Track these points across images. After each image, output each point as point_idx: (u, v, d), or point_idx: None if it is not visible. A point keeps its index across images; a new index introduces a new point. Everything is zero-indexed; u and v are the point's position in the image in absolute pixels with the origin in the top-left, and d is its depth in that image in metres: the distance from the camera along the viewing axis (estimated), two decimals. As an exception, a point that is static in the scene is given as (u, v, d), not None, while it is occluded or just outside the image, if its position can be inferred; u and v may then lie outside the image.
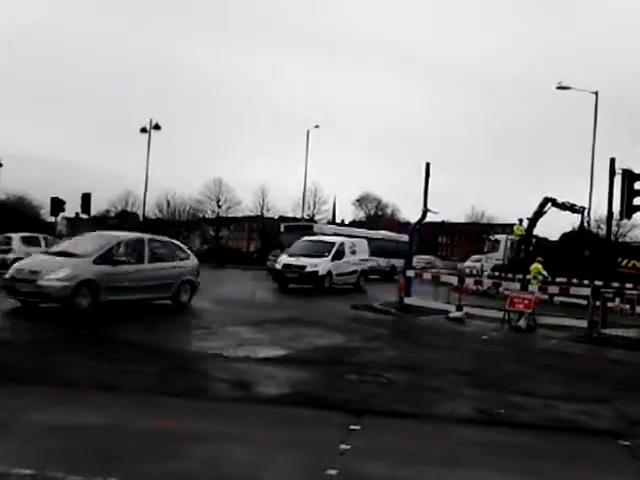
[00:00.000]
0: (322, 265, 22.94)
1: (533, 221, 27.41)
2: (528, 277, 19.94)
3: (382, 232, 41.99)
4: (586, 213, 27.83)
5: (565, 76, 33.32)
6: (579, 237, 28.33)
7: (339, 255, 23.89)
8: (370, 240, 37.41)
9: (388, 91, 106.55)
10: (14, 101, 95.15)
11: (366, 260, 26.46)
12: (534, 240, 28.20)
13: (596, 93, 31.85)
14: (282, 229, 38.20)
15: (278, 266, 23.67)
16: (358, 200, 79.96)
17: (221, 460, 4.71)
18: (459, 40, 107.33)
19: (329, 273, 23.12)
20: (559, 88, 31.89)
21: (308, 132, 49.32)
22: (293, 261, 23.42)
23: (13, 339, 9.56)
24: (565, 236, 29.48)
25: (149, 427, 5.47)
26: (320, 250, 23.79)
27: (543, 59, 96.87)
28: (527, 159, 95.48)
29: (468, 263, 40.57)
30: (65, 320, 11.51)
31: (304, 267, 22.81)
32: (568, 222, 29.28)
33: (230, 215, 73.76)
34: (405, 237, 40.23)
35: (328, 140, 64.98)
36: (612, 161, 16.08)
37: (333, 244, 24.31)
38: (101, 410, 5.91)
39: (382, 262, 35.52)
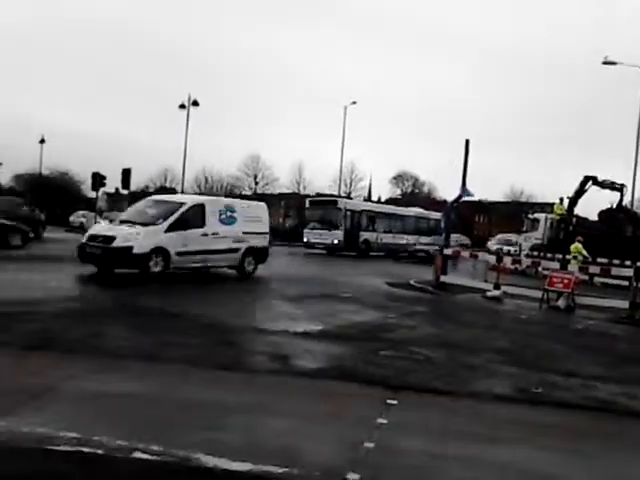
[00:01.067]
0: (142, 237, 14.05)
1: (574, 200, 26.91)
2: (568, 257, 19.62)
3: (414, 209, 41.41)
4: (625, 190, 27.22)
5: (611, 53, 32.24)
6: (617, 215, 27.73)
7: (185, 223, 14.90)
8: (402, 217, 37.25)
9: (427, 68, 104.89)
10: (56, 78, 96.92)
11: (259, 234, 17.33)
12: (574, 219, 27.71)
13: (644, 69, 30.89)
14: (307, 204, 37.43)
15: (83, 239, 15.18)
16: (395, 178, 79.46)
17: (259, 431, 4.79)
18: (502, 20, 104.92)
19: (159, 250, 14.19)
20: (605, 63, 30.99)
21: (345, 109, 49.05)
22: (103, 230, 15.29)
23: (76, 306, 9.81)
24: (603, 214, 28.80)
25: (189, 397, 5.58)
26: (159, 215, 14.98)
27: (589, 36, 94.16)
28: (569, 137, 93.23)
29: (493, 242, 39.95)
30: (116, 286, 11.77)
31: (111, 239, 14.03)
32: (608, 201, 28.50)
33: (267, 192, 74.03)
34: (436, 215, 39.97)
35: (366, 117, 64.78)
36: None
37: (179, 205, 15.37)
38: (143, 379, 6.06)
39: (412, 240, 35.07)
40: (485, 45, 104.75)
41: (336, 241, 31.81)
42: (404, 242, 33.79)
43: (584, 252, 19.98)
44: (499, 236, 46.00)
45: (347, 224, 32.64)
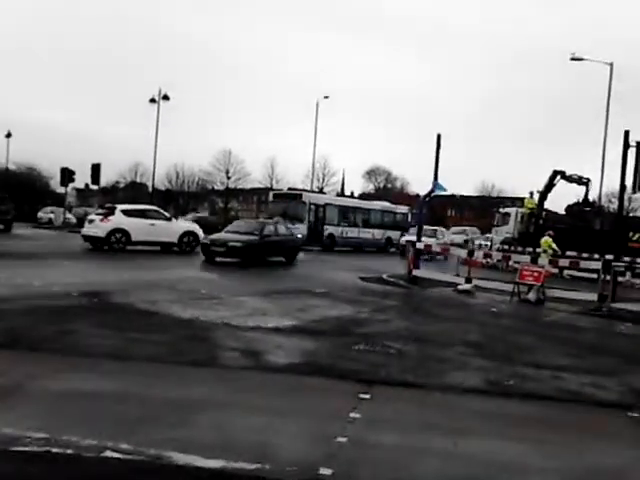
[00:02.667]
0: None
1: (543, 194, 27.31)
2: (538, 250, 19.88)
3: (380, 203, 41.35)
4: (591, 185, 27.72)
5: (579, 48, 32.87)
6: (583, 209, 28.22)
7: None
8: (369, 211, 37.19)
9: (400, 63, 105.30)
10: (21, 72, 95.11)
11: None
12: (544, 213, 28.11)
13: (611, 64, 31.44)
14: (270, 198, 36.85)
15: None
16: (368, 172, 79.76)
17: (231, 427, 4.75)
18: (472, 12, 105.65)
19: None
20: (573, 59, 31.45)
21: (317, 103, 49.03)
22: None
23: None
24: (569, 208, 29.28)
25: (159, 395, 5.52)
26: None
27: (558, 31, 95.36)
28: (539, 133, 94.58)
29: (451, 236, 40.15)
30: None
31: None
32: (575, 195, 28.98)
33: (239, 186, 73.67)
34: (403, 209, 40.10)
35: (338, 112, 64.78)
36: (626, 134, 15.91)
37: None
38: (112, 378, 5.98)
39: (377, 234, 35.07)
40: (454, 39, 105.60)
41: (300, 235, 31.65)
42: (370, 236, 33.73)
43: (554, 246, 20.27)
44: (453, 228, 46.66)
45: (311, 218, 32.40)
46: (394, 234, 36.60)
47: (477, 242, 31.93)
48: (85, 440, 4.20)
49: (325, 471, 3.99)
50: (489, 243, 29.50)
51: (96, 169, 30.42)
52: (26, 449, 4.05)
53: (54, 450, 4.05)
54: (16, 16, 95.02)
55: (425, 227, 31.86)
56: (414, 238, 28.30)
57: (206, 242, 21.15)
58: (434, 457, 4.47)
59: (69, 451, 4.06)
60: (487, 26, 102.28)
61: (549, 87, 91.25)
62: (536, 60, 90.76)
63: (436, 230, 34.49)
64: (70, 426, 4.46)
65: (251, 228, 22.01)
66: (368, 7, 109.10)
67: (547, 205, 28.77)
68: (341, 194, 67.85)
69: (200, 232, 24.20)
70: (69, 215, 43.18)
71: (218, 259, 20.17)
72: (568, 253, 20.96)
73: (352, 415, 5.19)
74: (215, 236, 22.03)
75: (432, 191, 19.28)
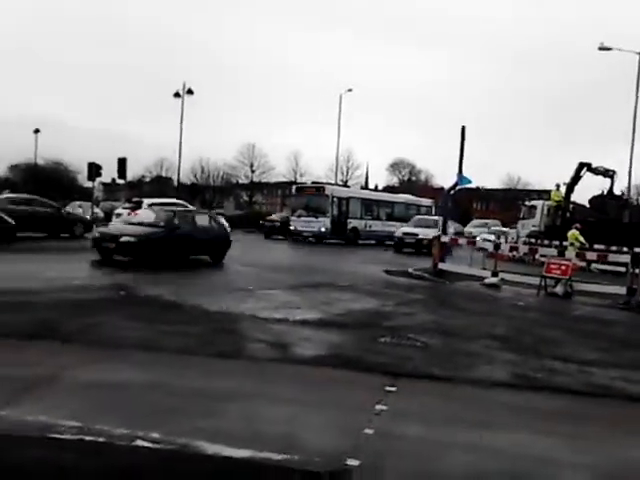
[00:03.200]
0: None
1: (570, 186, 26.96)
2: (565, 244, 19.65)
3: (404, 196, 41.10)
4: (616, 177, 27.30)
5: (604, 39, 32.12)
6: (607, 201, 27.76)
7: None
8: (392, 204, 36.91)
9: (424, 55, 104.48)
10: (48, 70, 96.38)
11: None
12: (571, 206, 27.74)
13: (640, 54, 30.84)
14: (293, 191, 36.73)
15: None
16: (392, 165, 79.42)
17: (259, 418, 4.80)
18: (492, 5, 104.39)
19: None
20: (601, 49, 30.88)
21: (341, 97, 48.87)
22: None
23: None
24: (594, 200, 28.75)
25: (188, 385, 5.60)
26: None
27: (583, 23, 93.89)
28: (565, 125, 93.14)
29: (469, 229, 39.46)
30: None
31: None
32: (606, 188, 28.45)
33: (264, 180, 73.85)
34: (427, 202, 39.73)
35: (362, 105, 64.49)
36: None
37: None
38: (142, 368, 6.08)
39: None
40: (481, 31, 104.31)
41: (323, 229, 31.29)
42: (394, 229, 33.51)
43: (581, 239, 20.01)
44: (474, 221, 45.77)
45: (334, 211, 32.20)
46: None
47: (481, 235, 30.23)
48: (117, 429, 4.28)
49: (352, 462, 4.01)
50: (492, 237, 28.30)
51: (122, 163, 30.61)
52: (60, 436, 4.14)
53: (87, 438, 4.13)
54: (39, 16, 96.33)
55: (426, 217, 30.97)
56: (412, 230, 28.00)
57: (97, 235, 16.75)
58: (461, 450, 4.46)
59: (101, 439, 4.13)
60: (517, 21, 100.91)
61: (575, 79, 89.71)
62: (564, 50, 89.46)
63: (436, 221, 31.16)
64: (102, 415, 4.55)
65: (157, 218, 17.16)
66: (394, 3, 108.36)
67: (575, 198, 28.39)
68: (365, 187, 67.63)
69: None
70: (97, 209, 43.70)
71: (118, 257, 15.80)
72: (596, 246, 20.68)
73: (378, 407, 5.20)
74: (106, 228, 18.41)
75: (457, 184, 19.16)
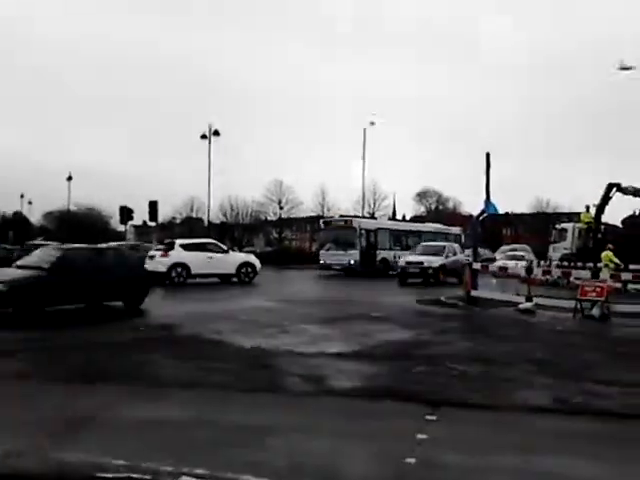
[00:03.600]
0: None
1: (600, 208, 26.64)
2: (599, 265, 19.41)
3: (432, 225, 41.02)
4: None
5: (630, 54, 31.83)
6: (637, 221, 27.37)
7: None
8: (421, 234, 36.85)
9: (447, 82, 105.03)
10: (76, 116, 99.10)
11: None
12: (603, 227, 27.41)
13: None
14: (321, 225, 36.87)
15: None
16: (418, 195, 79.45)
17: (299, 450, 4.86)
18: (511, 25, 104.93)
19: None
20: (621, 69, 30.74)
21: (365, 130, 49.32)
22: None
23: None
24: (627, 220, 28.34)
25: (230, 420, 5.68)
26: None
27: (606, 38, 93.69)
28: (592, 144, 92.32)
29: (498, 255, 38.04)
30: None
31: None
32: (637, 207, 28.13)
33: (292, 216, 74.42)
34: (456, 230, 39.59)
35: (388, 135, 64.83)
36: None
37: None
38: (183, 405, 6.18)
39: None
40: (503, 55, 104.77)
41: (352, 261, 31.22)
42: None
43: (615, 259, 19.75)
44: (504, 247, 44.67)
45: (363, 243, 32.23)
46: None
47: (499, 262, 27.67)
48: (162, 466, 4.35)
49: (396, 491, 4.04)
50: (516, 262, 27.22)
51: (153, 206, 31.31)
52: (108, 475, 4.23)
53: (134, 476, 4.21)
54: (62, 63, 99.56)
55: (432, 244, 28.69)
56: (417, 258, 26.00)
57: None
58: (503, 476, 4.46)
59: (147, 477, 4.21)
60: (534, 38, 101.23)
61: (602, 97, 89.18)
62: (599, 65, 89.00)
63: (444, 247, 28.08)
64: (147, 452, 4.64)
65: (40, 259, 14.13)
66: (410, 26, 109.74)
67: (607, 219, 28.08)
68: (392, 218, 67.77)
69: (257, 262, 24.60)
70: (130, 252, 44.53)
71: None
72: (631, 266, 20.39)
73: (419, 436, 5.20)
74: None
75: (484, 211, 19.14)
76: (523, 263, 24.42)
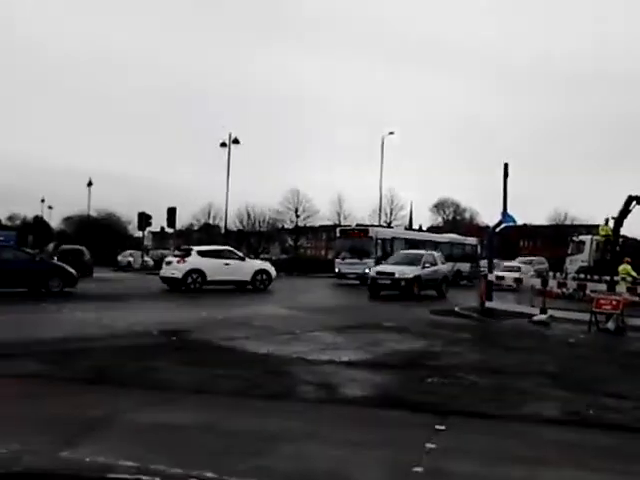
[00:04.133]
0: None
1: (619, 220, 26.42)
2: (616, 278, 19.25)
3: (448, 235, 40.93)
4: None
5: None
6: None
7: None
8: (437, 244, 36.69)
9: (464, 92, 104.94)
10: (94, 123, 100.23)
11: None
12: (621, 240, 27.18)
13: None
14: (337, 234, 37.08)
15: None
16: (436, 205, 79.34)
17: (308, 457, 4.90)
18: (530, 37, 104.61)
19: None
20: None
21: (383, 139, 49.42)
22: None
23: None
24: None
25: (240, 426, 5.73)
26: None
27: (625, 50, 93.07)
28: (611, 156, 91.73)
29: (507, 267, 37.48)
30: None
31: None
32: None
33: (308, 224, 74.65)
34: (472, 240, 39.43)
35: (404, 145, 64.80)
36: None
37: None
38: (194, 411, 6.24)
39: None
40: (521, 64, 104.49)
41: (368, 270, 31.42)
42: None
43: (633, 273, 19.57)
44: (520, 259, 43.18)
45: (379, 252, 32.14)
46: (464, 266, 36.06)
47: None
48: (172, 469, 4.43)
49: (403, 499, 4.07)
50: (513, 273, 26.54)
51: (172, 213, 31.56)
52: (118, 476, 4.31)
53: (144, 478, 4.28)
54: (83, 70, 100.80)
55: (411, 252, 26.34)
56: (388, 268, 23.60)
57: None
58: (513, 487, 4.47)
59: (157, 479, 4.29)
60: (552, 52, 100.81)
61: (620, 108, 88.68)
62: (605, 81, 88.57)
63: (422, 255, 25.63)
64: (157, 456, 4.71)
65: None
66: (428, 39, 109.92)
67: (627, 232, 27.85)
68: (409, 228, 67.54)
69: (272, 270, 24.72)
70: (147, 258, 44.90)
71: None
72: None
73: (428, 446, 5.22)
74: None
75: (501, 222, 19.07)
76: (516, 274, 24.18)
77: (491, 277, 17.68)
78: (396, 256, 26.50)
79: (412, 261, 24.10)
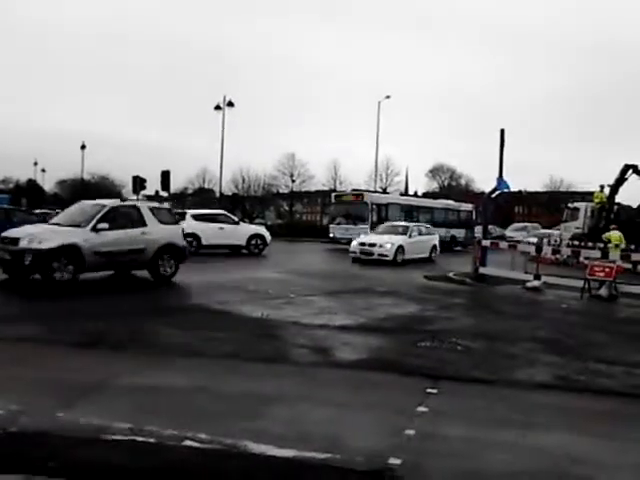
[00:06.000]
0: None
1: (614, 188, 26.45)
2: (600, 245, 19.33)
3: (443, 201, 40.85)
4: None
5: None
6: None
7: None
8: (432, 210, 36.67)
9: (461, 58, 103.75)
10: (88, 87, 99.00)
11: None
12: (616, 207, 27.20)
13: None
14: (332, 199, 36.72)
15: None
16: (431, 171, 79.02)
17: (302, 420, 4.95)
18: (533, 3, 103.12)
19: None
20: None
21: (379, 103, 48.95)
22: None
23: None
24: None
25: (234, 389, 5.78)
26: None
27: (622, 22, 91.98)
28: (608, 125, 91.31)
29: (509, 233, 38.67)
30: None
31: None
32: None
33: (304, 189, 74.30)
34: (467, 206, 39.39)
35: (401, 111, 64.34)
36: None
37: None
38: (189, 374, 6.28)
39: (441, 233, 31.96)
40: (518, 31, 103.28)
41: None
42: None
43: (615, 241, 19.75)
44: (515, 225, 44.80)
45: (374, 218, 32.08)
46: (458, 232, 36.12)
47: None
48: (166, 430, 4.48)
49: (394, 461, 4.12)
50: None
51: (166, 176, 31.11)
52: (113, 437, 4.36)
53: (138, 439, 4.35)
54: (77, 33, 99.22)
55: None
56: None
57: None
58: (502, 449, 4.52)
59: (151, 440, 4.34)
60: (550, 21, 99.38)
61: (618, 78, 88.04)
62: (605, 52, 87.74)
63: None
64: (152, 417, 4.76)
65: None
66: (428, 6, 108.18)
67: (622, 199, 27.80)
68: (405, 193, 67.33)
69: (267, 235, 24.68)
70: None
71: None
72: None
73: (419, 409, 5.30)
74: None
75: (496, 189, 19.03)
76: (403, 239, 23.05)
77: (485, 243, 17.70)
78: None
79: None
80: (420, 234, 25.06)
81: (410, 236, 23.93)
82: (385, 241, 22.67)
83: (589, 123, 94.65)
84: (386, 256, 22.11)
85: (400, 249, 22.73)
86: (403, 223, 26.68)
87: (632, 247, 19.88)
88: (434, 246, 26.02)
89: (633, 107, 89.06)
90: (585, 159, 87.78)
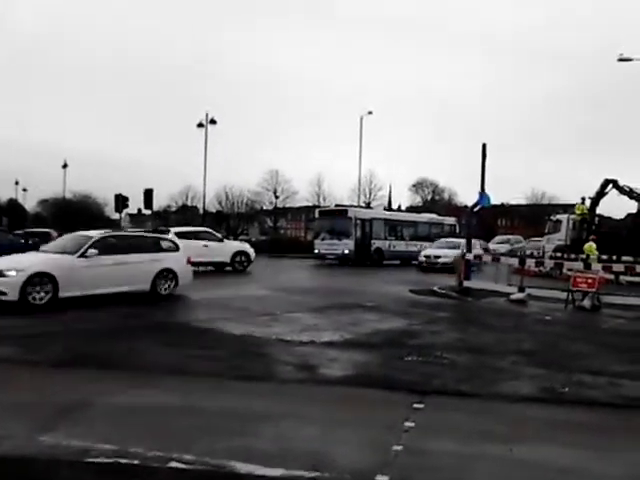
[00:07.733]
0: None
1: (595, 200, 26.81)
2: (582, 256, 19.55)
3: (427, 215, 41.11)
4: None
5: (628, 47, 31.63)
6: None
7: None
8: (415, 224, 36.88)
9: (442, 73, 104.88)
10: (71, 104, 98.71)
11: None
12: (597, 219, 27.51)
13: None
14: (316, 215, 36.80)
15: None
16: (414, 185, 79.44)
17: (289, 437, 4.92)
18: (511, 16, 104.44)
19: None
20: (620, 60, 30.64)
21: (362, 119, 49.23)
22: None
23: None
24: (631, 217, 28.28)
25: (219, 407, 5.73)
26: None
27: (606, 29, 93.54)
28: (589, 138, 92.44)
29: (492, 245, 39.09)
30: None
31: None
32: (633, 204, 27.86)
33: (287, 205, 74.39)
34: (450, 220, 39.67)
35: (383, 125, 64.64)
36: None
37: None
38: (174, 393, 6.21)
39: (426, 246, 32.39)
40: (500, 46, 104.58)
41: (347, 251, 31.30)
42: (418, 249, 33.14)
43: (595, 252, 20.01)
44: (498, 237, 45.28)
45: (358, 233, 32.25)
46: None
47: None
48: (151, 451, 4.42)
49: (382, 478, 4.10)
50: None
51: (149, 194, 31.06)
52: (97, 460, 4.29)
53: (122, 461, 4.28)
54: (59, 48, 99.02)
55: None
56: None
57: None
58: (490, 463, 4.52)
59: (136, 462, 4.28)
60: (527, 35, 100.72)
61: (601, 90, 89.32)
62: (587, 63, 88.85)
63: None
64: (136, 438, 4.69)
65: None
66: (414, 20, 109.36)
67: (603, 211, 28.10)
68: (388, 208, 67.60)
69: (251, 251, 24.61)
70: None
71: None
72: (624, 258, 20.50)
73: (407, 424, 5.27)
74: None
75: (478, 203, 19.16)
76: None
77: (469, 256, 17.79)
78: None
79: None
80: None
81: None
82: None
83: (568, 136, 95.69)
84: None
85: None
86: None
87: (614, 258, 20.08)
88: None
89: (617, 119, 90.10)
90: (567, 171, 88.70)
